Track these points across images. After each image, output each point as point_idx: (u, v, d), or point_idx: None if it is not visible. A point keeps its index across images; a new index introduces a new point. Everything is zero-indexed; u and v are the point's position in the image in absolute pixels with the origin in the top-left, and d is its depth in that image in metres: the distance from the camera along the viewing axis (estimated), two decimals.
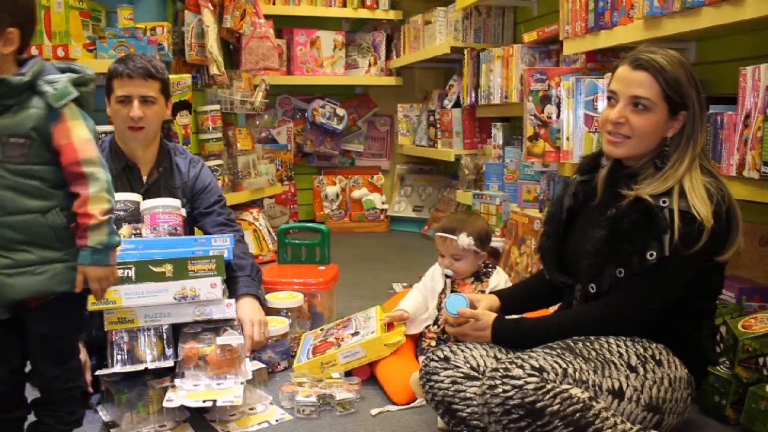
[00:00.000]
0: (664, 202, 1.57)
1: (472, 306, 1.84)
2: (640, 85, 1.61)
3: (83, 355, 1.95)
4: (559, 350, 1.54)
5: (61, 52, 3.04)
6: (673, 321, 1.65)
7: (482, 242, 2.19)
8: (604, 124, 1.69)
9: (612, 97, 1.68)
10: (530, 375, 1.44)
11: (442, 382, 1.66)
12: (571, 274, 1.77)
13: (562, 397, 1.42)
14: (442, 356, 1.71)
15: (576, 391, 1.44)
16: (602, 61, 2.84)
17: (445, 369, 1.68)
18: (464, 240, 2.15)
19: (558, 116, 2.83)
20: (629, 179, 1.67)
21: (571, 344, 1.58)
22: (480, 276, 2.22)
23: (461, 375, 1.66)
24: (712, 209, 1.55)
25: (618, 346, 1.59)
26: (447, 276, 2.21)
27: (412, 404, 2.00)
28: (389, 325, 2.26)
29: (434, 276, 2.27)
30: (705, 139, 1.72)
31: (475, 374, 1.66)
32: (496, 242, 3.16)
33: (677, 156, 1.62)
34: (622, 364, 1.55)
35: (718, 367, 1.90)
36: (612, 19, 2.50)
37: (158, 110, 2.26)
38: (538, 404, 1.42)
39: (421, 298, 2.28)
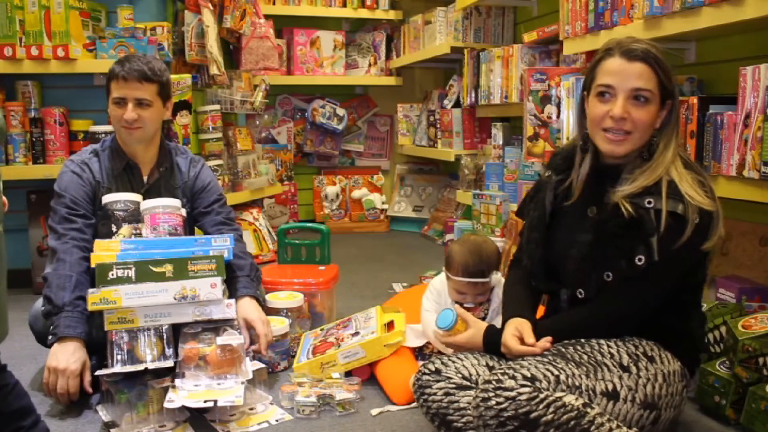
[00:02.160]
0: (649, 202, 1.55)
1: (462, 318, 1.81)
2: (639, 76, 1.57)
3: (83, 354, 1.95)
4: (550, 356, 1.54)
5: (61, 52, 3.05)
6: (662, 316, 1.65)
7: (499, 267, 2.13)
8: (600, 121, 1.61)
9: (606, 92, 1.60)
10: (522, 385, 1.43)
11: (435, 394, 1.66)
12: (555, 278, 1.74)
13: (556, 405, 1.42)
14: (433, 369, 1.69)
15: (570, 399, 1.44)
16: None
17: (438, 381, 1.67)
18: (495, 278, 2.09)
19: (558, 116, 2.83)
20: (614, 177, 1.64)
21: (562, 349, 1.57)
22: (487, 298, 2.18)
23: (453, 386, 1.65)
24: (707, 196, 1.55)
25: (609, 346, 1.59)
26: (468, 309, 2.05)
27: (412, 404, 2.00)
28: (389, 326, 2.26)
29: (444, 299, 2.16)
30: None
31: (468, 383, 1.65)
32: (497, 242, 3.15)
33: (664, 144, 1.61)
34: (614, 365, 1.55)
35: (718, 367, 1.90)
36: (612, 19, 2.50)
37: (154, 112, 2.24)
38: (532, 414, 1.41)
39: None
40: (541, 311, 1.90)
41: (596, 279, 1.60)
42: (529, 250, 1.78)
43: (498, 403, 1.43)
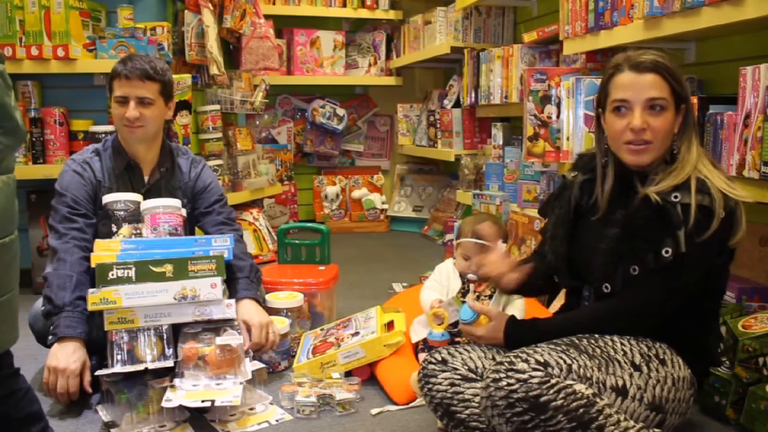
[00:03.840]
0: (675, 197, 1.56)
1: (484, 313, 1.83)
2: (652, 86, 1.60)
3: (83, 354, 1.95)
4: (563, 346, 1.54)
5: (61, 52, 3.05)
6: (681, 321, 1.65)
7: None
8: (621, 135, 1.63)
9: (622, 106, 1.63)
10: (535, 369, 1.44)
11: (440, 384, 1.66)
12: (578, 275, 1.75)
13: (566, 392, 1.43)
14: (440, 359, 1.70)
15: (580, 387, 1.45)
16: (602, 61, 2.84)
17: (443, 371, 1.67)
18: (502, 247, 2.14)
19: (558, 116, 2.83)
20: (640, 180, 1.66)
21: (576, 341, 1.58)
22: None
23: (459, 377, 1.66)
24: (735, 190, 1.58)
25: (622, 344, 1.59)
26: (471, 281, 2.19)
27: (412, 404, 2.00)
28: (389, 326, 2.26)
29: (448, 275, 2.25)
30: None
31: (474, 376, 1.66)
32: None
33: (686, 146, 1.63)
34: (626, 362, 1.55)
35: (718, 367, 1.90)
36: (612, 19, 2.50)
37: (156, 111, 2.25)
38: (542, 398, 1.42)
39: (438, 296, 2.26)
40: (555, 306, 1.92)
41: (623, 272, 1.61)
42: (554, 246, 1.79)
43: (509, 384, 1.43)
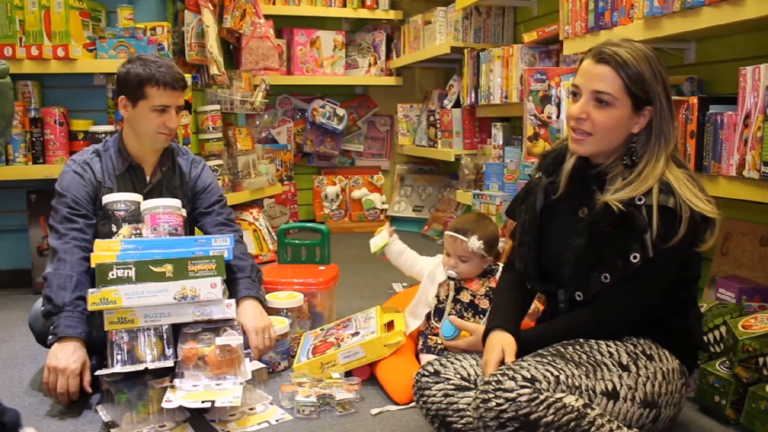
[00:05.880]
0: (639, 199, 1.55)
1: (463, 328, 1.85)
2: (602, 79, 1.57)
3: (83, 354, 1.95)
4: (549, 357, 1.54)
5: (61, 52, 3.05)
6: (661, 313, 1.65)
7: (490, 247, 2.19)
8: (568, 120, 1.64)
9: (576, 92, 1.63)
10: (522, 386, 1.43)
11: (434, 396, 1.66)
12: (550, 279, 1.74)
13: (556, 407, 1.42)
14: (432, 370, 1.70)
15: (570, 400, 1.44)
16: None
17: (437, 383, 1.67)
18: (474, 243, 2.14)
19: (558, 116, 2.83)
20: (599, 178, 1.65)
21: (561, 349, 1.57)
22: (486, 274, 2.22)
23: (453, 387, 1.66)
24: (708, 201, 1.56)
25: (608, 346, 1.59)
26: (450, 278, 2.20)
27: (412, 404, 2.00)
28: (389, 326, 2.26)
29: (435, 267, 2.27)
30: (676, 136, 1.67)
31: (467, 384, 1.66)
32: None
33: (650, 154, 1.59)
34: (613, 364, 1.55)
35: (718, 367, 1.90)
36: (612, 19, 2.50)
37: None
38: (533, 416, 1.41)
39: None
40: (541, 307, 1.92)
41: (594, 281, 1.60)
42: (522, 252, 1.78)
43: (498, 405, 1.43)
